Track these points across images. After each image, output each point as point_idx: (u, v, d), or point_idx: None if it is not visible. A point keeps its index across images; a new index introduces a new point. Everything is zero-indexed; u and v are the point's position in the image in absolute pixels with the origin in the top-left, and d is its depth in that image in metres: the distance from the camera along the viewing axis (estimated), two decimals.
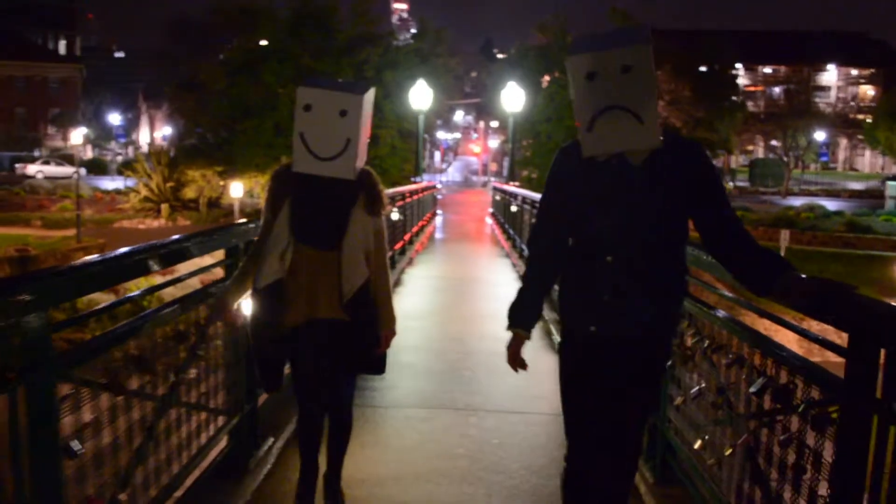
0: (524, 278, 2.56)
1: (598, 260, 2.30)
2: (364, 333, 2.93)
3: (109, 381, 2.30)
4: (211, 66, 29.25)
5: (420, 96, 18.89)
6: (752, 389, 2.45)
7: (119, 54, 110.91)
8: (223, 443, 3.49)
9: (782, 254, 22.61)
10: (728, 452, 2.68)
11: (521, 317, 2.49)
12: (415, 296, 9.16)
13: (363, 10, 26.96)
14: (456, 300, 9.34)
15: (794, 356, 2.32)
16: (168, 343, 2.79)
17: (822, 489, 2.06)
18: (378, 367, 3.08)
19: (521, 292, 2.52)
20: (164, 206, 33.07)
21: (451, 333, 7.11)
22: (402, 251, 11.69)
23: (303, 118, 2.77)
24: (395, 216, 10.69)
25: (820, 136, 57.12)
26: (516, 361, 2.50)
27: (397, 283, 9.83)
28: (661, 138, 2.23)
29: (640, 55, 2.18)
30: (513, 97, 19.33)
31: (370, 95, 2.87)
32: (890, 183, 41.23)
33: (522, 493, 3.57)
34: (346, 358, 2.95)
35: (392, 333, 3.04)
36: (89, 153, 60.17)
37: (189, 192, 30.61)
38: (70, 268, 2.14)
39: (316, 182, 2.81)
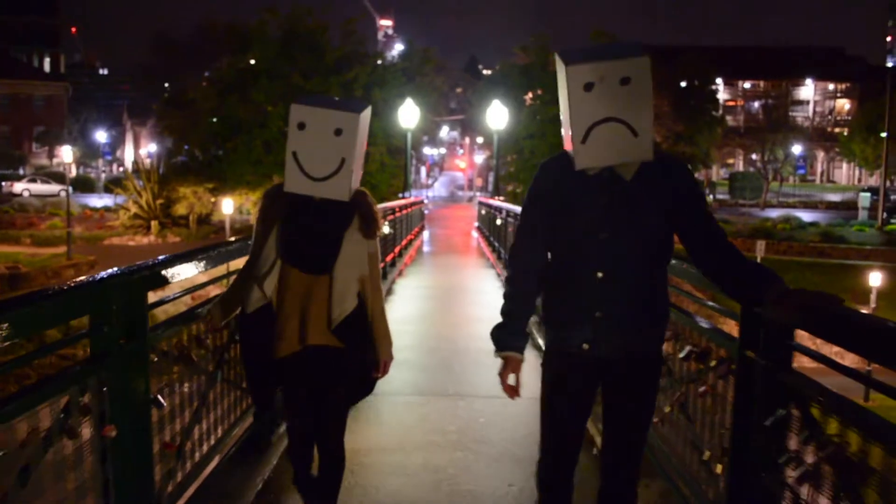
0: (507, 297, 2.46)
1: (589, 276, 2.28)
2: (358, 360, 2.83)
3: (179, 353, 2.94)
4: (201, 86, 29.87)
5: (408, 115, 19.63)
6: (680, 356, 3.12)
7: (103, 71, 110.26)
8: (250, 419, 4.08)
9: None
10: (668, 410, 3.34)
11: (512, 339, 2.41)
12: (407, 303, 9.82)
13: (350, 30, 27.79)
14: (445, 306, 10.02)
15: (710, 326, 2.99)
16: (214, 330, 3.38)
17: (727, 422, 2.73)
18: (368, 388, 2.99)
19: (506, 313, 2.43)
20: (154, 223, 33.50)
21: (442, 334, 7.78)
22: (393, 263, 12.32)
23: (296, 137, 2.66)
24: (385, 230, 11.33)
25: (797, 149, 58.30)
26: (514, 389, 2.41)
27: (389, 292, 10.48)
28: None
29: (640, 67, 2.18)
30: (497, 115, 20.10)
31: (366, 114, 2.78)
32: (863, 194, 42.36)
33: (504, 458, 4.23)
34: (340, 389, 2.84)
35: (390, 359, 2.96)
36: (74, 171, 60.18)
37: (180, 209, 31.12)
38: (167, 259, 2.78)
39: (308, 203, 2.72)
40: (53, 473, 2.04)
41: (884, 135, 41.61)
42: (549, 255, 2.39)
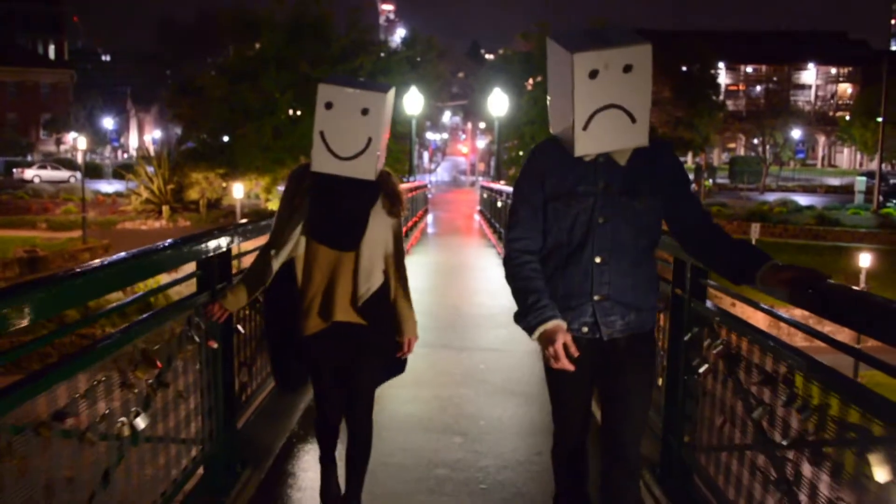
0: (515, 278, 2.36)
1: (587, 261, 2.30)
2: (384, 338, 2.89)
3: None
4: (209, 73, 30.69)
5: (413, 102, 20.48)
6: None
7: (105, 57, 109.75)
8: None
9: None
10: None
11: (545, 311, 2.25)
12: (414, 278, 10.54)
13: (356, 20, 28.61)
14: (449, 280, 10.95)
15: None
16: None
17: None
18: (400, 367, 3.05)
19: (526, 291, 2.30)
20: (165, 208, 34.48)
21: (446, 303, 8.70)
22: None
23: (323, 116, 2.69)
24: None
25: (796, 133, 58.73)
26: (565, 358, 2.21)
27: None
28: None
29: (643, 54, 2.19)
30: (498, 102, 20.94)
31: (391, 94, 2.79)
32: (858, 178, 43.09)
33: (499, 393, 5.15)
34: (367, 367, 2.88)
35: (415, 338, 2.99)
36: (80, 158, 60.76)
37: (192, 194, 32.07)
38: (245, 223, 3.66)
39: (335, 182, 2.74)
40: (181, 370, 2.94)
41: (880, 119, 42.14)
42: (546, 240, 2.37)
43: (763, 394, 2.52)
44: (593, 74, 2.16)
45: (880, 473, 1.86)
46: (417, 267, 11.95)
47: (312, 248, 2.78)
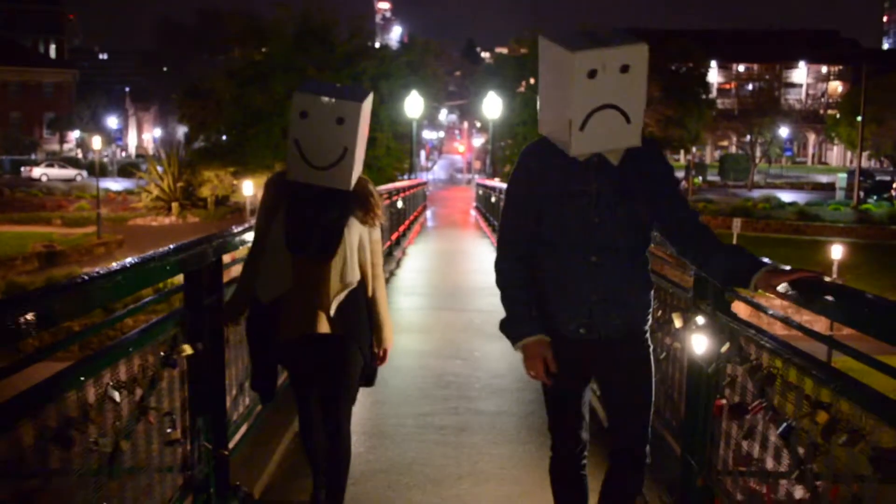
0: (506, 286, 2.38)
1: (582, 261, 2.30)
2: (359, 347, 2.84)
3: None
4: (219, 76, 32.28)
5: (413, 105, 22.14)
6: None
7: (102, 56, 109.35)
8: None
9: (734, 240, 25.65)
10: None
11: (529, 325, 2.31)
12: (418, 261, 12.50)
13: (358, 26, 30.27)
14: (447, 263, 12.76)
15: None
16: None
17: None
18: (369, 380, 2.96)
19: (513, 302, 2.35)
20: (175, 205, 35.87)
21: (446, 278, 10.44)
22: (404, 234, 14.82)
23: (298, 125, 2.65)
24: (399, 205, 13.81)
25: (784, 132, 59.92)
26: (548, 375, 2.31)
27: (404, 254, 13.00)
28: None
29: (640, 55, 2.19)
30: (492, 105, 22.60)
31: (368, 102, 2.73)
32: (840, 175, 44.57)
33: (490, 336, 6.72)
34: (342, 376, 2.83)
35: (390, 346, 2.99)
36: (80, 156, 61.06)
37: (204, 191, 33.56)
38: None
39: (311, 191, 2.71)
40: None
41: (859, 118, 43.58)
42: (541, 242, 2.37)
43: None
44: (592, 74, 2.17)
45: None
46: (421, 253, 13.69)
47: (285, 255, 2.74)
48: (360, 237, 2.81)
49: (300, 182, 2.71)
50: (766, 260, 2.18)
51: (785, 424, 2.26)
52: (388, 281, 9.60)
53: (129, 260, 2.34)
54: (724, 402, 2.75)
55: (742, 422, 2.59)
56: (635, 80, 2.20)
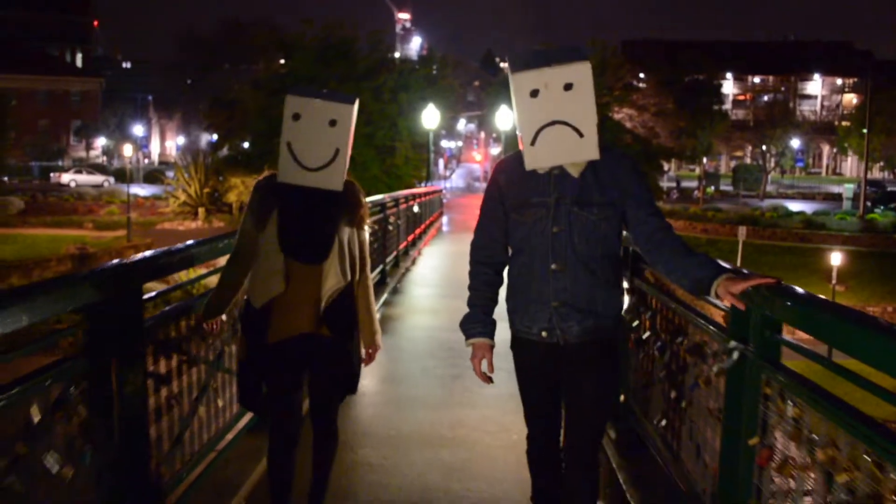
0: (470, 288, 2.58)
1: (544, 269, 2.41)
2: (346, 351, 2.87)
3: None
4: (247, 88, 33.77)
5: (430, 117, 23.52)
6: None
7: (126, 65, 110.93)
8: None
9: (740, 247, 26.26)
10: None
11: (477, 327, 2.53)
12: (432, 259, 13.88)
13: (378, 40, 31.68)
14: (459, 261, 13.59)
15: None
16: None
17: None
18: (352, 385, 2.96)
19: (469, 303, 2.57)
20: (201, 210, 37.31)
21: (456, 273, 11.62)
22: (420, 236, 16.06)
23: (291, 128, 2.70)
24: (416, 209, 15.08)
25: (795, 143, 60.31)
26: (486, 376, 2.54)
27: (420, 254, 14.28)
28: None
29: (582, 73, 2.27)
30: (505, 117, 23.92)
31: (356, 106, 2.79)
32: (847, 185, 45.17)
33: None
34: (331, 378, 2.90)
35: (376, 348, 3.00)
36: (106, 162, 61.66)
37: (231, 197, 34.97)
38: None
39: (301, 194, 2.75)
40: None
41: (865, 130, 44.19)
42: (510, 249, 2.53)
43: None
44: (534, 93, 2.27)
45: None
46: (435, 253, 15.06)
47: (280, 259, 2.74)
48: (349, 238, 2.86)
49: (290, 185, 2.75)
50: (726, 266, 2.27)
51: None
52: (404, 275, 10.99)
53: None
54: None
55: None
56: (581, 97, 2.30)
